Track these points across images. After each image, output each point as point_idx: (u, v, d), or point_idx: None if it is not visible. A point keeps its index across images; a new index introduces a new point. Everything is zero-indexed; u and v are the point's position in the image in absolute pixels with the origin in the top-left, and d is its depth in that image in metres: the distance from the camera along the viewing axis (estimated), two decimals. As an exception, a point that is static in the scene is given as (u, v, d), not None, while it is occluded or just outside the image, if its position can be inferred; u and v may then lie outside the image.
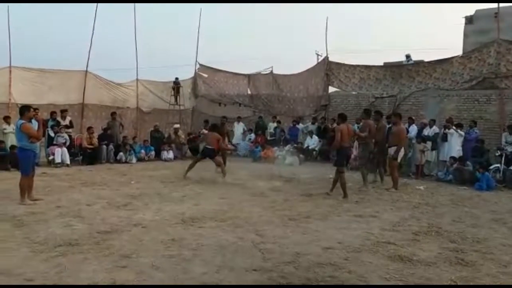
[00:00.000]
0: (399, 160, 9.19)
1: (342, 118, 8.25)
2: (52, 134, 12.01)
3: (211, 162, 10.00)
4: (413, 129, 11.77)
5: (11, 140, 11.92)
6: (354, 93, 15.74)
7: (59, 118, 12.79)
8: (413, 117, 12.40)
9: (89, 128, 13.22)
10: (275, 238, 5.05)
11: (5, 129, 12.17)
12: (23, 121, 6.86)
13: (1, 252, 4.34)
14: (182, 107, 18.25)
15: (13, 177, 8.51)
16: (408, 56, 15.70)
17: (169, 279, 3.76)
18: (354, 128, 8.34)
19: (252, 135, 15.96)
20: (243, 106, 18.39)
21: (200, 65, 19.14)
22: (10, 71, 14.64)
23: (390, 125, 10.01)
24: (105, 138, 13.10)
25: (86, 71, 16.25)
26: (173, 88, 17.90)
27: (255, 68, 18.76)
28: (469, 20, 26.51)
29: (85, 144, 12.58)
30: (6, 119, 12.39)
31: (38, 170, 10.59)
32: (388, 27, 55.58)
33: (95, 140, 12.74)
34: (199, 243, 4.80)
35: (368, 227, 5.71)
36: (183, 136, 15.74)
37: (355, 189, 8.74)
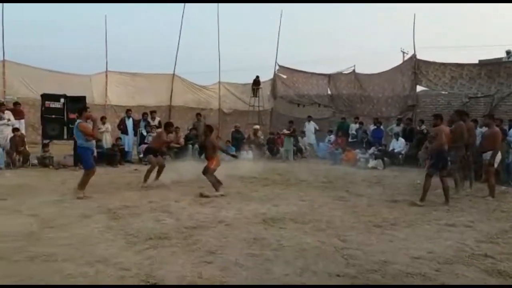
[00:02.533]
0: (495, 165, 8.40)
1: (441, 118, 7.80)
2: (144, 133, 12.93)
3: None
4: (514, 132, 10.67)
5: (106, 138, 13.07)
6: (444, 92, 14.71)
7: (149, 119, 13.71)
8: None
9: (175, 128, 13.98)
10: (359, 245, 4.86)
11: (100, 128, 13.34)
12: (80, 120, 7.38)
13: (101, 242, 4.73)
14: (261, 108, 18.55)
15: (111, 172, 9.26)
16: (508, 52, 14.24)
17: (253, 277, 3.80)
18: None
19: (332, 137, 15.64)
20: (322, 106, 18.13)
21: (280, 66, 19.27)
22: (107, 75, 16.10)
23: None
24: (191, 137, 13.78)
25: (173, 74, 17.26)
26: (253, 89, 18.26)
27: (335, 68, 18.39)
28: None
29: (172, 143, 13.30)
30: (102, 119, 13.57)
31: (131, 167, 11.54)
32: (484, 21, 50.98)
33: (182, 140, 13.43)
34: (281, 244, 4.79)
35: (461, 238, 5.26)
36: (262, 137, 15.97)
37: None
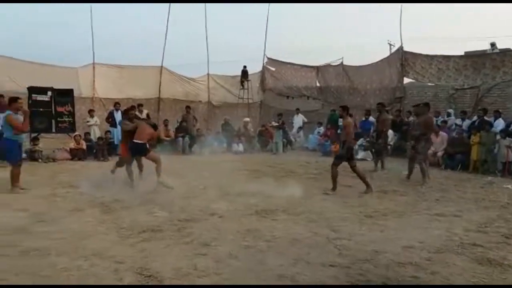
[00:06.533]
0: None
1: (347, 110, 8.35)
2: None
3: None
4: (499, 123, 10.87)
5: (95, 132, 12.93)
6: (431, 84, 14.86)
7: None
8: (500, 110, 11.43)
9: (165, 121, 13.93)
10: (351, 235, 4.93)
11: (88, 121, 13.18)
12: (9, 112, 6.94)
13: (94, 235, 4.71)
14: (250, 101, 18.54)
15: (101, 166, 9.12)
16: (493, 45, 14.43)
17: (246, 268, 3.83)
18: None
19: (321, 128, 15.71)
20: (311, 98, 18.18)
21: (268, 58, 19.24)
22: (94, 68, 15.88)
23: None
24: (181, 130, 13.73)
25: (161, 66, 17.11)
26: (241, 82, 18.23)
27: (324, 60, 18.40)
28: None
29: (162, 136, 13.25)
30: (90, 112, 13.42)
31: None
32: (470, 13, 51.35)
33: (172, 132, 13.38)
34: (274, 235, 4.83)
35: (451, 227, 5.36)
36: (252, 129, 15.96)
37: (436, 186, 8.30)
